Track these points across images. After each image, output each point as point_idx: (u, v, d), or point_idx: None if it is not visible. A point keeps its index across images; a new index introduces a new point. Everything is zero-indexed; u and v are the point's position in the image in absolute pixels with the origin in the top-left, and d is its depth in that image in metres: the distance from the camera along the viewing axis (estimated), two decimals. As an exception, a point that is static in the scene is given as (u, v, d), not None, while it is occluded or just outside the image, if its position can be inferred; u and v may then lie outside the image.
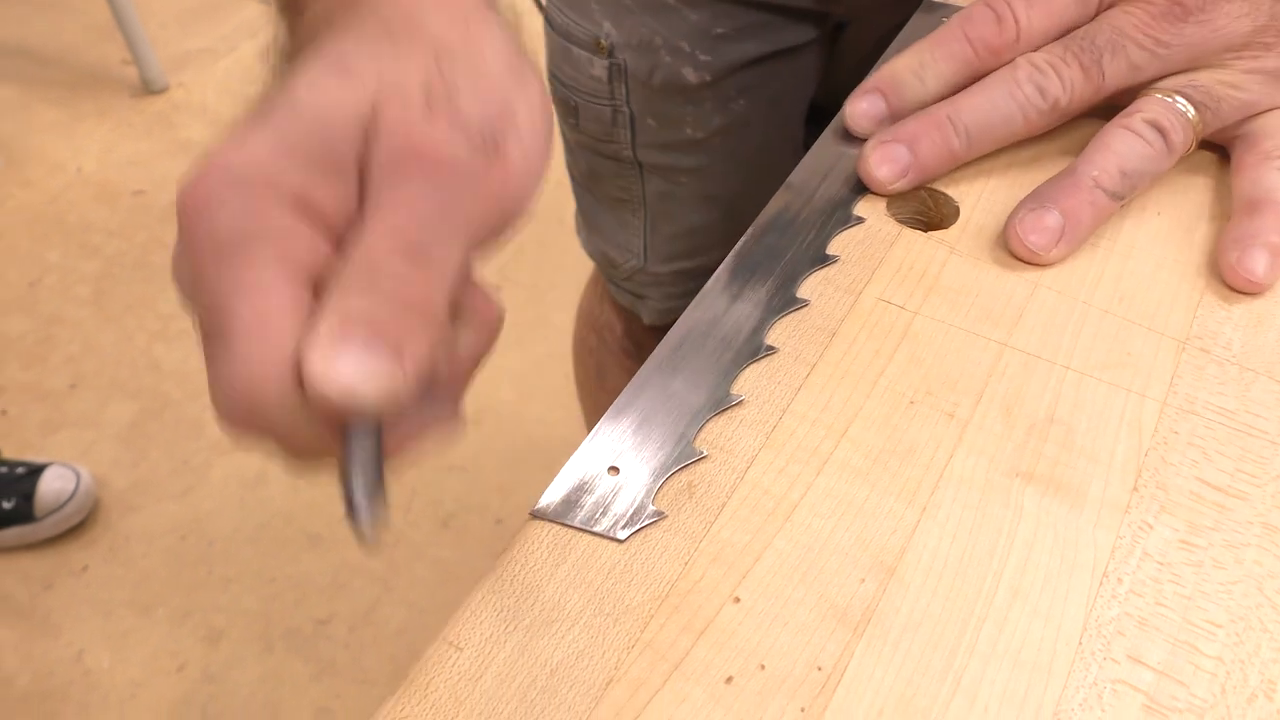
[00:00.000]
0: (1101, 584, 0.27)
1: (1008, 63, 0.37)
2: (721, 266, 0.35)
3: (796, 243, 0.36)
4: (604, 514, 0.29)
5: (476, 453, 1.48)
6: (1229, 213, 0.36)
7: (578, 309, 1.08)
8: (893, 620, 0.27)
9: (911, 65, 0.38)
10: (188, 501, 1.42)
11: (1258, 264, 0.34)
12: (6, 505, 1.33)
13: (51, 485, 1.34)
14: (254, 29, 2.22)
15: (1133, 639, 0.26)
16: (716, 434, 0.30)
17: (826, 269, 0.35)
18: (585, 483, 0.29)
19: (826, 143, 0.40)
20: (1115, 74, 0.37)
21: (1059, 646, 0.26)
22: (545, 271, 1.71)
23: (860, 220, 0.37)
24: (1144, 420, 0.31)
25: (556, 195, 0.88)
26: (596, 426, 0.31)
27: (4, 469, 1.36)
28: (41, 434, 1.48)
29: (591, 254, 0.92)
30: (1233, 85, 0.37)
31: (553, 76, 0.77)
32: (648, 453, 0.30)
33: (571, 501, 0.29)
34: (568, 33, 0.72)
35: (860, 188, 0.38)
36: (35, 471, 1.35)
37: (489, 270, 1.69)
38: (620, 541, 0.28)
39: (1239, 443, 0.31)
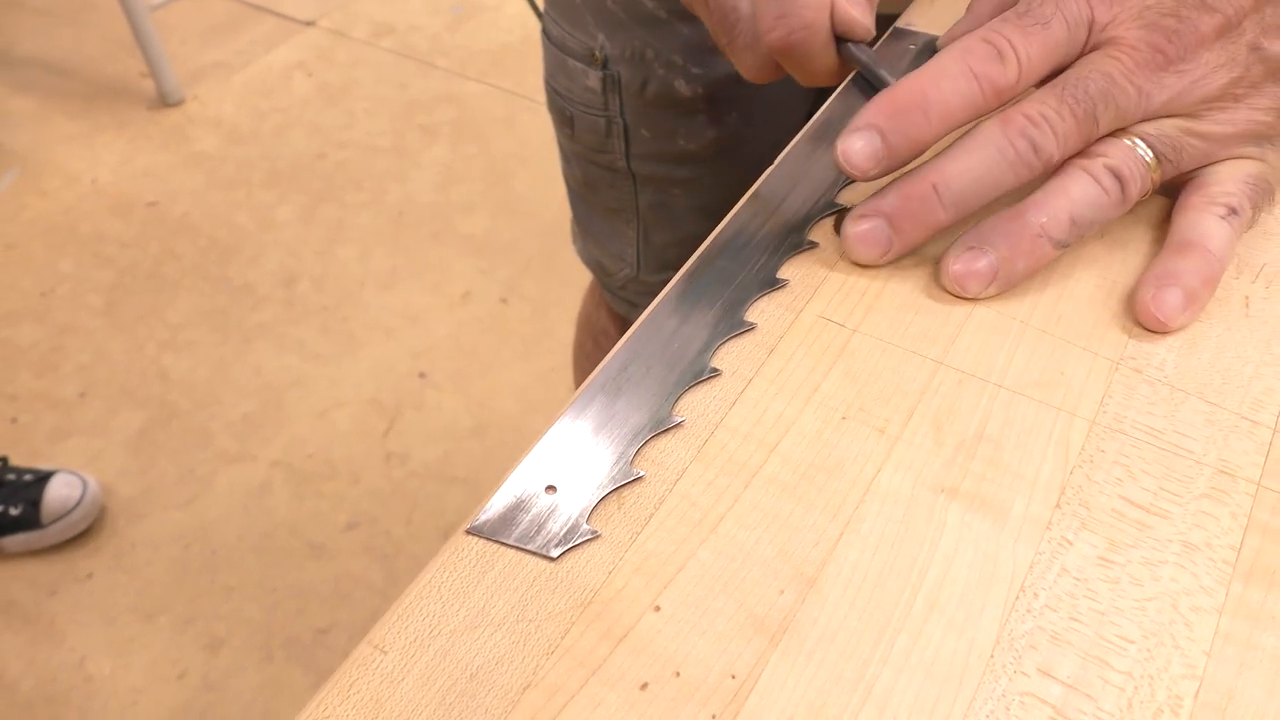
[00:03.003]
0: (1018, 598, 0.28)
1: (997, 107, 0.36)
2: (670, 288, 0.36)
3: (748, 267, 0.37)
4: (539, 532, 0.29)
5: (479, 465, 1.49)
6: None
7: (578, 316, 1.09)
8: (809, 630, 0.27)
9: (914, 98, 0.35)
10: (193, 510, 1.44)
11: (1170, 305, 0.34)
12: (14, 511, 1.35)
13: (58, 492, 1.36)
14: (270, 43, 2.25)
15: (1045, 653, 0.27)
16: (653, 452, 0.31)
17: (776, 292, 0.36)
18: (522, 501, 0.30)
19: (785, 166, 0.41)
20: (1107, 124, 0.36)
21: (971, 659, 0.27)
22: (551, 286, 1.72)
23: (813, 245, 0.37)
24: (1072, 439, 0.31)
25: (563, 209, 0.90)
26: (537, 445, 0.31)
27: (12, 476, 1.38)
28: (51, 441, 1.50)
29: (587, 262, 0.93)
30: (1199, 135, 0.36)
31: (549, 87, 0.79)
32: (586, 472, 0.30)
33: (508, 519, 0.30)
34: (563, 44, 0.74)
35: (816, 212, 0.38)
36: (43, 478, 1.37)
37: (494, 284, 1.71)
38: (553, 560, 0.28)
39: (1164, 462, 0.31)
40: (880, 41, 0.47)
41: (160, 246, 1.80)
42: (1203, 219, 0.36)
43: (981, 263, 0.35)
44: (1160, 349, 0.34)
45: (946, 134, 0.36)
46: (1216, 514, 0.30)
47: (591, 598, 0.28)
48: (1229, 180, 0.37)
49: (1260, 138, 0.37)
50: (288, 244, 1.81)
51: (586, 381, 0.33)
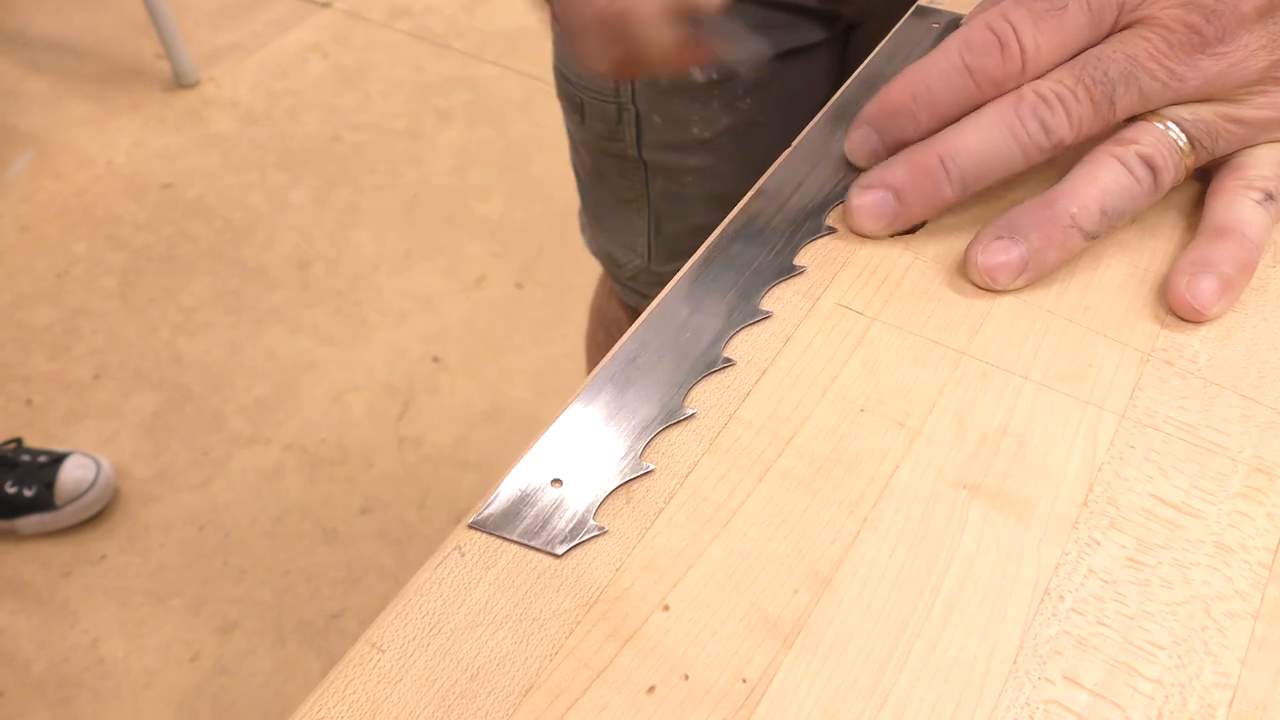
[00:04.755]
0: (1042, 601, 0.27)
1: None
2: (682, 275, 0.35)
3: (764, 252, 0.35)
4: (544, 528, 0.28)
5: (492, 450, 1.48)
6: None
7: (590, 306, 1.08)
8: (823, 633, 0.26)
9: (904, 98, 0.36)
10: (206, 493, 1.44)
11: (1205, 292, 0.33)
12: (28, 493, 1.35)
13: (72, 474, 1.36)
14: (285, 25, 2.24)
15: (1070, 659, 0.26)
16: (663, 444, 0.30)
17: (793, 279, 0.34)
18: (527, 495, 0.29)
19: (803, 148, 0.40)
20: (1126, 108, 0.34)
21: (993, 665, 0.26)
22: (564, 272, 1.71)
23: (831, 230, 0.36)
24: (1100, 433, 0.30)
25: (576, 195, 0.89)
26: (542, 437, 0.30)
27: (27, 457, 1.38)
28: (65, 423, 1.50)
29: (596, 253, 0.92)
30: (1237, 120, 0.35)
31: (559, 73, 0.77)
32: (594, 465, 0.29)
33: (511, 514, 0.28)
34: None
35: (835, 196, 0.37)
36: (57, 460, 1.37)
37: (509, 268, 1.69)
38: (558, 557, 0.27)
39: (1197, 458, 0.30)
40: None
41: (174, 228, 1.79)
42: (1239, 203, 0.35)
43: (1013, 254, 0.33)
44: (1193, 340, 0.33)
45: (944, 126, 0.35)
46: (1252, 514, 0.29)
47: (598, 596, 0.27)
48: (1266, 164, 0.35)
49: None
50: (302, 227, 1.80)
51: (594, 372, 0.32)
